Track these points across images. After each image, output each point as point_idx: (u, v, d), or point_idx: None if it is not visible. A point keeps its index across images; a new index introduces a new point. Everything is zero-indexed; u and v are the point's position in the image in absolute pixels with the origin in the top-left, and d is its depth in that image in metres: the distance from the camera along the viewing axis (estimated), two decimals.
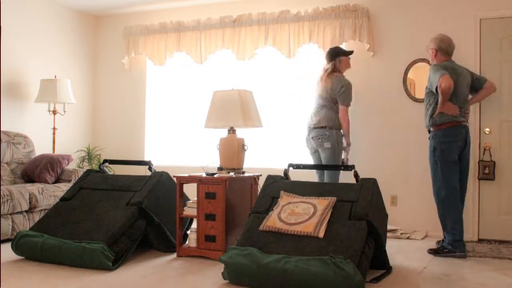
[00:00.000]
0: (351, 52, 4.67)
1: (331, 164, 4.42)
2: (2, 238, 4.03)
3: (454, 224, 3.85)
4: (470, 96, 4.15)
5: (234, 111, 3.90)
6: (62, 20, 5.88)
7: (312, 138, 4.51)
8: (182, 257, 3.74)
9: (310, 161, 4.74)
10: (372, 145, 5.03)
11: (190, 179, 3.81)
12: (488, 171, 4.54)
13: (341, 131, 4.49)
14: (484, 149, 4.59)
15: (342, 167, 3.83)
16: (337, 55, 4.58)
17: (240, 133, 4.15)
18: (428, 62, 4.77)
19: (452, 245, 3.85)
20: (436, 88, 3.81)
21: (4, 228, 4.10)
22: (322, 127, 4.44)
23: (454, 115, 3.88)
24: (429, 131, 4.08)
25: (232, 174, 3.85)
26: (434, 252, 3.92)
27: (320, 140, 4.43)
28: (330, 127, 4.43)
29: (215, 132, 4.91)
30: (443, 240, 4.07)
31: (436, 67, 3.92)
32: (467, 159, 4.04)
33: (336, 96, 4.46)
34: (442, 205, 3.93)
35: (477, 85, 4.13)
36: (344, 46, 5.07)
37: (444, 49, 4.03)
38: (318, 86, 4.60)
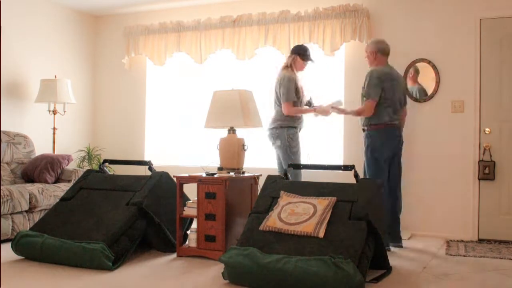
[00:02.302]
0: (309, 59, 4.60)
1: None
2: (2, 238, 4.03)
3: None
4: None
5: (234, 111, 3.90)
6: (62, 20, 5.88)
7: (267, 136, 4.63)
8: (182, 257, 3.74)
9: (307, 161, 4.74)
10: None
11: (190, 179, 3.81)
12: (488, 171, 4.54)
13: (295, 128, 4.51)
14: (484, 149, 4.59)
15: (342, 167, 3.83)
16: (293, 52, 4.59)
17: (240, 133, 4.14)
18: (428, 61, 4.78)
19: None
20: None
21: (4, 228, 4.10)
22: (272, 128, 4.56)
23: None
24: (363, 130, 4.27)
25: (232, 174, 3.85)
26: None
27: (273, 138, 4.56)
28: (280, 126, 4.49)
29: (215, 132, 4.91)
30: None
31: (373, 80, 4.08)
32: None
33: (279, 94, 4.50)
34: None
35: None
36: (344, 46, 5.08)
37: (382, 49, 4.22)
38: None
